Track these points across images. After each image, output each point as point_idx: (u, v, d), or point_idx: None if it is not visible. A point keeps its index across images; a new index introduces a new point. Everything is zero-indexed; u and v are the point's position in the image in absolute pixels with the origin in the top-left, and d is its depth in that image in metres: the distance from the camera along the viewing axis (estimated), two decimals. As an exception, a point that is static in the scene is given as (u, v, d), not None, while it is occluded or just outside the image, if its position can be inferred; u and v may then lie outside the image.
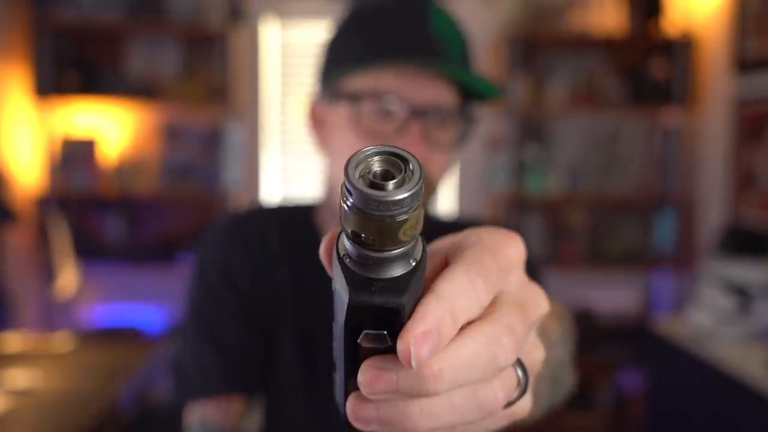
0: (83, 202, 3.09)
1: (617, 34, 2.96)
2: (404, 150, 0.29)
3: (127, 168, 3.02)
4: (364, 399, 0.31)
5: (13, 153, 2.82)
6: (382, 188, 0.28)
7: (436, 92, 0.77)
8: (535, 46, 3.04)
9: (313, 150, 0.89)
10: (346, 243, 0.30)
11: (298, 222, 0.88)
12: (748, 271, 2.13)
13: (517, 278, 0.35)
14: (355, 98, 0.77)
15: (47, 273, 2.93)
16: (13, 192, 2.74)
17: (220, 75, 2.97)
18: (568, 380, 0.67)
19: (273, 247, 0.86)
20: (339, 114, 0.80)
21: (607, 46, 3.06)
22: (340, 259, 0.30)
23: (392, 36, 0.78)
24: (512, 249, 0.35)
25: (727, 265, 2.21)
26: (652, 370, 2.53)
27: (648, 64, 3.03)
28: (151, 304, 3.07)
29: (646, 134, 3.09)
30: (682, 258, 3.03)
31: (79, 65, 2.97)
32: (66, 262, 2.93)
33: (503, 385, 0.33)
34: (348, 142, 0.80)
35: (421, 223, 0.29)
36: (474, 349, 0.31)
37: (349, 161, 0.28)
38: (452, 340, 0.30)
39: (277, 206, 0.93)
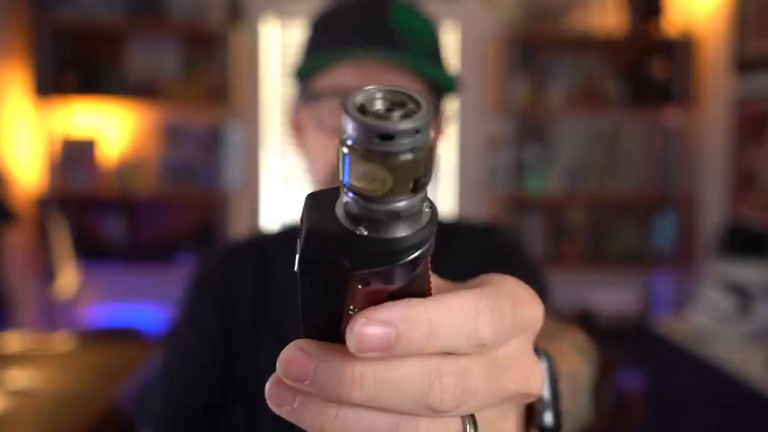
0: (83, 202, 3.09)
1: (617, 34, 2.96)
2: (410, 89, 0.25)
3: (127, 168, 3.02)
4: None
5: (13, 153, 2.82)
6: (387, 119, 0.24)
7: (396, 83, 0.75)
8: (535, 46, 3.04)
9: (301, 158, 0.88)
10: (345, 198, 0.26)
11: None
12: (748, 271, 2.13)
13: (521, 344, 0.31)
14: (315, 97, 0.77)
15: (47, 273, 2.93)
16: (13, 192, 2.74)
17: (220, 75, 2.97)
18: (587, 419, 0.62)
19: (274, 273, 0.86)
20: (307, 116, 0.80)
21: (607, 46, 3.06)
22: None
23: (350, 33, 0.77)
24: (533, 310, 0.31)
25: (727, 265, 2.22)
26: (652, 370, 2.53)
27: (648, 64, 3.03)
28: (151, 304, 3.07)
29: (646, 134, 3.09)
30: (682, 258, 3.03)
31: (79, 65, 2.97)
32: (66, 262, 2.93)
33: None
34: (314, 143, 0.79)
35: (430, 175, 0.25)
36: (409, 371, 0.26)
37: (347, 98, 0.25)
38: (391, 358, 0.26)
39: (276, 231, 0.93)
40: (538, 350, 0.35)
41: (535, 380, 0.31)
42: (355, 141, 0.24)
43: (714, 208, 2.82)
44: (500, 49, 2.98)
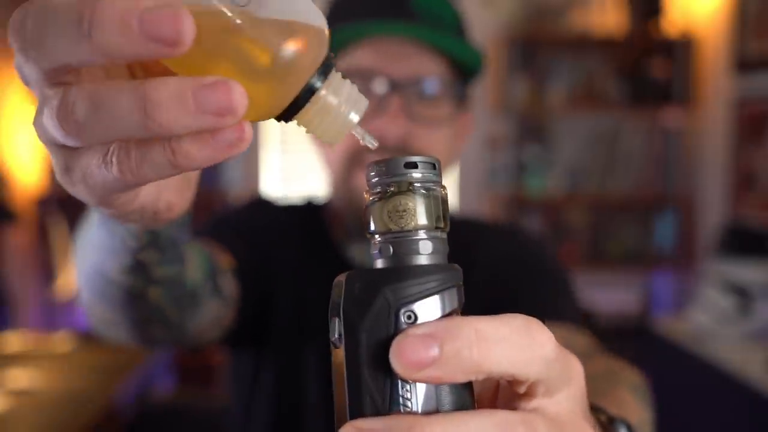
0: (83, 202, 3.08)
1: (617, 34, 2.96)
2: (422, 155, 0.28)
3: (127, 168, 3.02)
4: None
5: (13, 153, 2.82)
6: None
7: (416, 64, 0.73)
8: (535, 46, 3.04)
9: (312, 149, 0.87)
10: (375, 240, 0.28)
11: (309, 216, 0.89)
12: (748, 271, 2.13)
13: (569, 402, 0.27)
14: None
15: (47, 273, 2.93)
16: (13, 192, 2.74)
17: (220, 75, 2.96)
18: None
19: (284, 229, 0.87)
20: None
21: (607, 46, 3.06)
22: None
23: (367, 13, 0.75)
24: (577, 365, 0.28)
25: (727, 265, 2.21)
26: (652, 370, 2.52)
27: (648, 64, 3.03)
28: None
29: (646, 134, 3.09)
30: (682, 258, 3.03)
31: (79, 65, 2.97)
32: (66, 262, 2.93)
33: None
34: None
35: (448, 218, 0.27)
36: (479, 423, 0.24)
37: (371, 163, 0.28)
38: (456, 412, 0.24)
39: (290, 202, 0.93)
40: (615, 419, 0.34)
41: None
42: (383, 179, 0.27)
43: (714, 208, 2.82)
44: (500, 49, 2.98)
